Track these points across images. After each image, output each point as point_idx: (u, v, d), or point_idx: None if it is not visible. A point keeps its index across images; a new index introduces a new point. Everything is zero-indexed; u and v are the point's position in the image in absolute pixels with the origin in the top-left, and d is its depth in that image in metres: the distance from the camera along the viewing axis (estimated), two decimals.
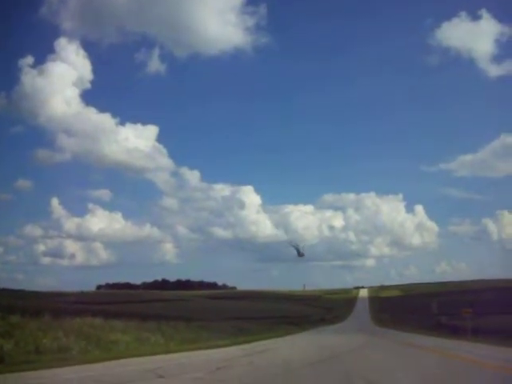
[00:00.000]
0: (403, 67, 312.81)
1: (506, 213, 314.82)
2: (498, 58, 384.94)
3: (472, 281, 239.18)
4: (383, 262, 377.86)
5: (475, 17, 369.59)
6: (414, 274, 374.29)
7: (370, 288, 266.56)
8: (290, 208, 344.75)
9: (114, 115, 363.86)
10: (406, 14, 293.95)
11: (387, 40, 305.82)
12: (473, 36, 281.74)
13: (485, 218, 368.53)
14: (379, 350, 27.27)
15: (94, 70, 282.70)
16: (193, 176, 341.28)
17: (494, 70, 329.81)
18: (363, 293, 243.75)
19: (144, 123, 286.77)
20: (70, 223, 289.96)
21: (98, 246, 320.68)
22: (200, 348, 25.70)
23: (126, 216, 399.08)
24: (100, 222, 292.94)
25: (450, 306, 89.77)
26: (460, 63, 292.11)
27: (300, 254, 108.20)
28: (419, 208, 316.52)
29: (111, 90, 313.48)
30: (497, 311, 79.14)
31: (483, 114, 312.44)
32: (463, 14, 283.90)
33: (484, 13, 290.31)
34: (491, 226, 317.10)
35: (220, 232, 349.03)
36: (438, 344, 31.30)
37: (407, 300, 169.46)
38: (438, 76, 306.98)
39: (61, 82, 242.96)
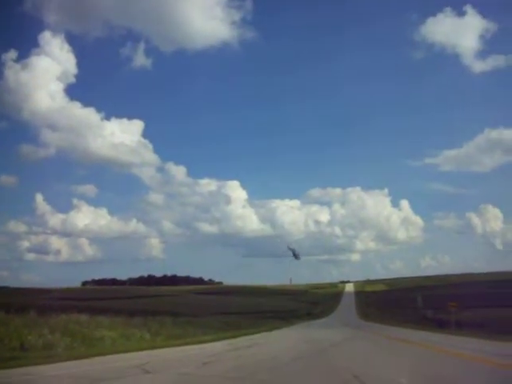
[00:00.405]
0: (388, 63, 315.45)
1: (490, 207, 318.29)
2: (482, 54, 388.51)
3: (457, 274, 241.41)
4: (369, 257, 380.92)
5: (460, 12, 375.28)
6: (399, 268, 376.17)
7: (356, 282, 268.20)
8: (276, 203, 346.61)
9: (99, 110, 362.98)
10: (391, 9, 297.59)
11: (372, 35, 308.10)
12: (457, 32, 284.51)
13: (469, 212, 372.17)
14: (365, 344, 27.43)
15: (79, 65, 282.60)
16: (178, 171, 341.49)
17: (479, 66, 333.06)
18: (349, 287, 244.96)
19: (129, 118, 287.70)
20: (55, 219, 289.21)
21: (83, 241, 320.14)
22: (187, 343, 25.67)
23: (112, 211, 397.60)
24: (85, 217, 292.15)
25: (435, 299, 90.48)
26: (445, 59, 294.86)
27: (297, 257, 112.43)
28: (404, 202, 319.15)
29: (96, 85, 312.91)
30: (481, 305, 79.91)
31: (468, 109, 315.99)
32: (448, 9, 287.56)
33: (469, 8, 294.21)
34: (475, 220, 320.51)
35: (206, 227, 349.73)
36: (423, 338, 31.54)
37: (393, 294, 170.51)
38: (423, 71, 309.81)
39: (45, 76, 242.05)
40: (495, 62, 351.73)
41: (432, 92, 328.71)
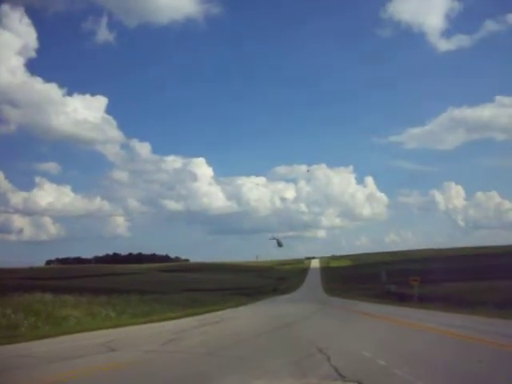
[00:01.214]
0: (354, 40, 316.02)
1: (452, 184, 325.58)
2: (447, 33, 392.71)
3: (420, 250, 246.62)
4: (334, 233, 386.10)
5: None
6: (364, 244, 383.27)
7: (322, 258, 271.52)
8: (242, 180, 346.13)
9: (61, 85, 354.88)
10: None
11: (338, 12, 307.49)
12: (424, 10, 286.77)
13: (432, 190, 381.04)
14: (330, 318, 27.97)
15: (40, 39, 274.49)
16: (143, 148, 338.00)
17: (444, 45, 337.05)
18: (315, 263, 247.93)
19: (93, 94, 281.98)
20: (17, 197, 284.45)
21: (46, 220, 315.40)
22: (153, 320, 25.70)
23: (76, 189, 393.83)
24: (48, 195, 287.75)
25: (398, 274, 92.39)
26: (410, 37, 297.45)
27: (280, 245, 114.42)
28: (369, 180, 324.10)
29: (58, 60, 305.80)
30: (443, 279, 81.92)
31: (432, 87, 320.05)
32: None
33: None
34: (439, 197, 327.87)
35: (172, 204, 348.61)
36: (386, 311, 32.33)
37: (357, 269, 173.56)
38: (389, 49, 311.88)
39: (4, 50, 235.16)
40: (460, 41, 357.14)
41: (397, 70, 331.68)
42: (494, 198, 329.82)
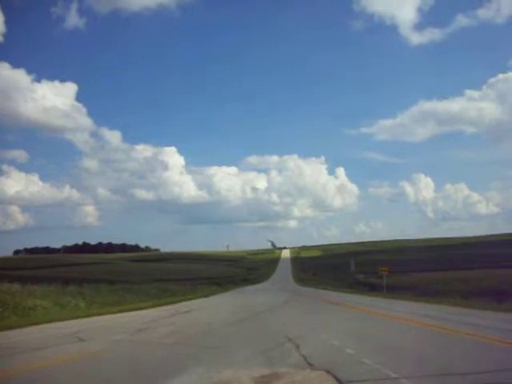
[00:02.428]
0: (327, 32, 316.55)
1: (422, 176, 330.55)
2: (419, 26, 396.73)
3: (389, 241, 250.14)
4: (305, 223, 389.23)
5: None
6: (334, 235, 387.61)
7: (293, 248, 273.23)
8: (213, 169, 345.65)
9: (30, 71, 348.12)
10: None
11: (312, 2, 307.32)
12: (397, 3, 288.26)
13: (402, 181, 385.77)
14: (300, 307, 28.22)
15: (7, 23, 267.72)
16: (113, 136, 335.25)
17: (415, 38, 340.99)
18: (285, 253, 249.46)
19: (62, 81, 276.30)
20: None
21: (14, 209, 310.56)
22: (122, 310, 25.60)
23: (44, 178, 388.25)
24: (16, 184, 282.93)
25: (367, 264, 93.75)
26: (383, 29, 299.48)
27: (275, 247, 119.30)
28: (340, 170, 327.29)
29: (26, 45, 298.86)
30: (411, 269, 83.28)
31: (403, 80, 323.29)
32: None
33: None
34: (408, 188, 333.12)
35: (142, 194, 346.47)
36: (355, 300, 32.82)
37: (327, 259, 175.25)
38: (361, 41, 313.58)
39: None
40: (432, 34, 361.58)
41: (368, 62, 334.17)
42: (463, 190, 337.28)
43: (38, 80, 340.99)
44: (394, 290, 43.73)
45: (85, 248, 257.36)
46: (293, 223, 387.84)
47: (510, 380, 7.38)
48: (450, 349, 10.74)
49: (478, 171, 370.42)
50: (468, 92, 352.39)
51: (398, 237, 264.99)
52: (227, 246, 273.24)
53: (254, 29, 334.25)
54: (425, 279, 56.33)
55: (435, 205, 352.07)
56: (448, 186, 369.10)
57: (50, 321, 18.83)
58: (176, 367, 8.99)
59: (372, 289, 53.70)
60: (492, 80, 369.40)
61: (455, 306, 24.42)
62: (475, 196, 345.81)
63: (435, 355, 9.85)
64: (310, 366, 8.78)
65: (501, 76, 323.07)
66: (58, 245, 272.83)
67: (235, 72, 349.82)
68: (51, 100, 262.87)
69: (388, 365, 8.45)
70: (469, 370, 7.92)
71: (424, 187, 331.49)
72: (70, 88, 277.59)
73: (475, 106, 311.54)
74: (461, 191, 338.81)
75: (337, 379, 7.53)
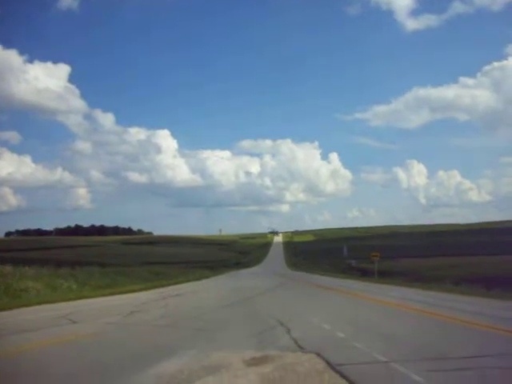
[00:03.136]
0: (323, 17, 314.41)
1: (415, 162, 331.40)
2: (415, 12, 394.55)
3: (381, 226, 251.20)
4: (298, 208, 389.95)
5: None
6: (326, 220, 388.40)
7: (285, 233, 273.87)
8: (206, 153, 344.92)
9: (22, 52, 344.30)
10: None
11: None
12: None
13: (395, 167, 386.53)
14: (292, 292, 28.34)
15: None
16: (107, 119, 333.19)
17: (411, 24, 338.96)
18: (278, 238, 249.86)
19: (55, 62, 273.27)
20: None
21: (6, 191, 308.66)
22: (114, 293, 25.57)
23: (36, 160, 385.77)
24: (8, 165, 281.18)
25: (359, 250, 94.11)
26: (379, 15, 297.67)
27: (276, 234, 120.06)
28: (334, 156, 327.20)
29: (18, 25, 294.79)
30: (403, 255, 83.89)
31: (398, 66, 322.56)
32: None
33: None
34: (401, 174, 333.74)
35: (135, 177, 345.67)
36: (347, 285, 33.03)
37: (320, 244, 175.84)
38: (357, 26, 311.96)
39: None
40: (427, 20, 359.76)
41: (364, 47, 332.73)
42: (455, 176, 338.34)
43: (30, 61, 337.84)
44: (385, 276, 44.06)
45: (77, 230, 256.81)
46: (285, 208, 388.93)
47: (488, 364, 7.46)
48: (439, 334, 10.85)
49: (471, 158, 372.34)
50: (462, 79, 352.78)
51: (390, 222, 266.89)
52: (220, 230, 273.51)
53: (248, 6, 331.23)
54: (416, 265, 56.81)
55: (428, 191, 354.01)
56: (441, 173, 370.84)
57: (41, 303, 18.80)
58: (168, 349, 9.02)
59: (364, 274, 54.04)
60: (487, 68, 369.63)
61: (445, 291, 24.67)
62: (467, 183, 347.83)
63: (426, 340, 9.94)
64: (301, 348, 8.84)
65: (496, 64, 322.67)
66: (50, 227, 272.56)
67: (229, 54, 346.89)
68: (44, 81, 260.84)
69: (378, 349, 8.52)
70: (455, 355, 8.05)
71: (417, 174, 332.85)
72: (63, 69, 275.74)
73: (469, 94, 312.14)
74: (453, 178, 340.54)
75: (327, 362, 7.58)
